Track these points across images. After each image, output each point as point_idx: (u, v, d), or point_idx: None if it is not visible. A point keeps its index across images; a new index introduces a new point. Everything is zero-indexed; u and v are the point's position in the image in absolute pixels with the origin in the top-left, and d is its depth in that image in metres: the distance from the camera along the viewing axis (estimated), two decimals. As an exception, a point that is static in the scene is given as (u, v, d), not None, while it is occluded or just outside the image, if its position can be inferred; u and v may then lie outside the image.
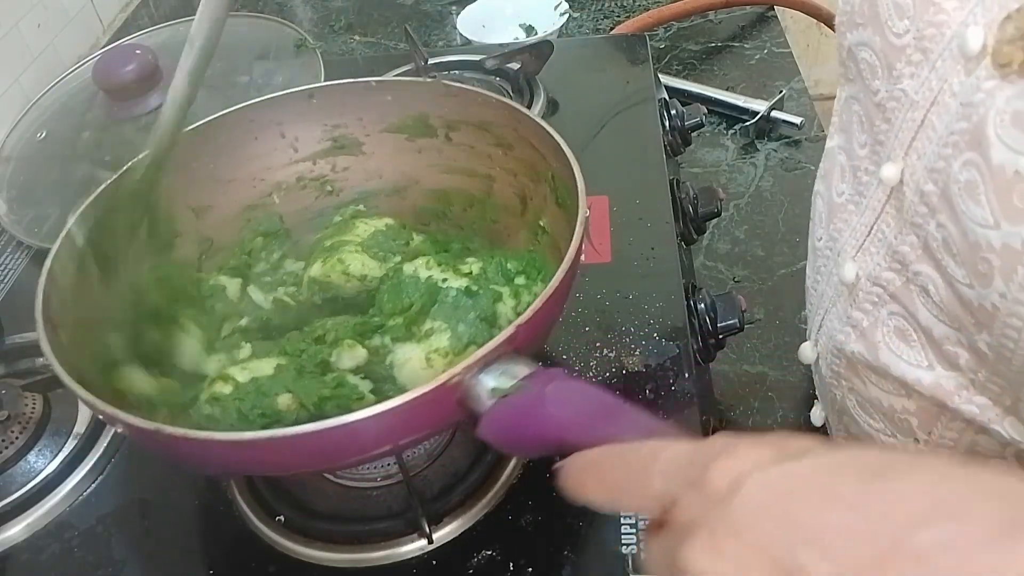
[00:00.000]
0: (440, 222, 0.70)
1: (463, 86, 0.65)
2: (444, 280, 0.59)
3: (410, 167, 0.70)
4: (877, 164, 0.50)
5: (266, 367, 0.56)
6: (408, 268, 0.61)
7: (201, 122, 0.67)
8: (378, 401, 0.54)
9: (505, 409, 0.44)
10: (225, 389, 0.54)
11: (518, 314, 0.58)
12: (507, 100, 0.61)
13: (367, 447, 0.48)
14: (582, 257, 0.52)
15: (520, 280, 0.59)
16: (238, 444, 0.44)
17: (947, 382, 0.46)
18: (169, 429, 0.43)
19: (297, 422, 0.52)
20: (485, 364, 0.45)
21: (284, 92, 0.70)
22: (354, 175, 0.72)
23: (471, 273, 0.59)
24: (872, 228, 0.51)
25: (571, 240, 0.51)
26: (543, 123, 0.59)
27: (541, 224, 0.63)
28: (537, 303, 0.47)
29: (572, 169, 0.55)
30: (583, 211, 0.52)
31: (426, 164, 0.69)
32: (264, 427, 0.52)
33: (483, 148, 0.66)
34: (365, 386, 0.56)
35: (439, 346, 0.55)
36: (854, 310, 0.53)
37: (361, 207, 0.71)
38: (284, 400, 0.53)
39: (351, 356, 0.57)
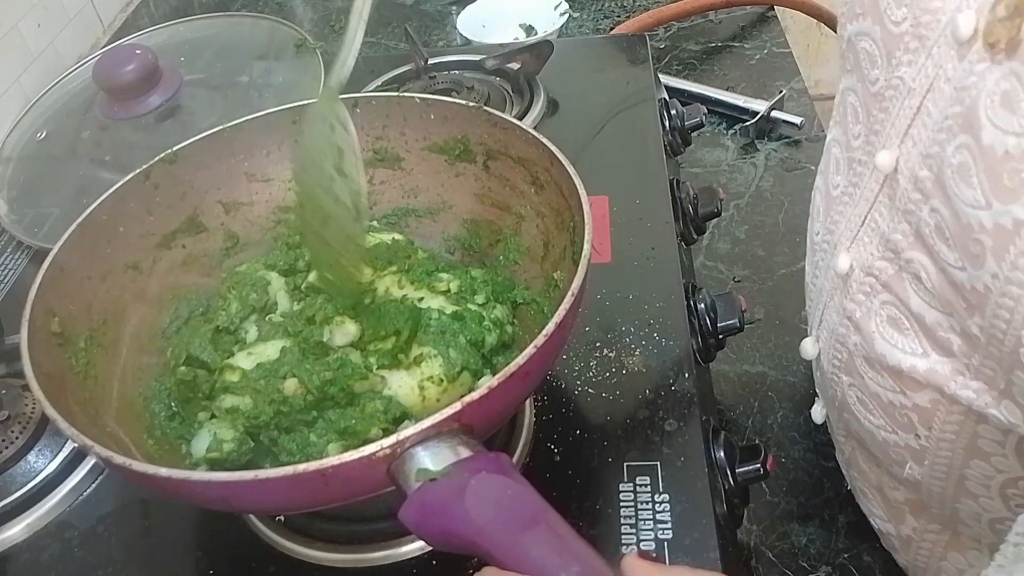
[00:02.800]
0: (465, 254, 0.69)
1: (504, 116, 0.64)
2: (421, 299, 0.58)
3: (446, 190, 0.69)
4: (871, 154, 0.50)
5: (271, 350, 0.56)
6: (380, 287, 0.60)
7: (244, 119, 0.67)
8: (390, 376, 0.55)
9: (427, 495, 0.40)
10: (233, 377, 0.55)
11: (508, 340, 0.58)
12: (543, 139, 0.60)
13: (293, 502, 0.47)
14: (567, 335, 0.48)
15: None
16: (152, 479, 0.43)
17: (942, 368, 0.46)
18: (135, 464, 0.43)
19: (306, 407, 0.53)
20: (421, 439, 0.41)
21: None
22: (391, 190, 0.71)
23: (448, 291, 0.58)
24: (866, 218, 0.52)
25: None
26: (571, 170, 0.57)
27: (555, 277, 0.61)
28: (494, 381, 0.43)
29: (584, 233, 0.52)
30: (576, 282, 0.49)
31: (462, 189, 0.69)
32: (275, 413, 0.53)
33: (518, 183, 0.65)
34: (372, 363, 0.55)
35: (432, 373, 0.54)
36: (848, 301, 0.54)
37: (374, 223, 0.70)
38: (291, 385, 0.53)
39: (342, 333, 0.56)
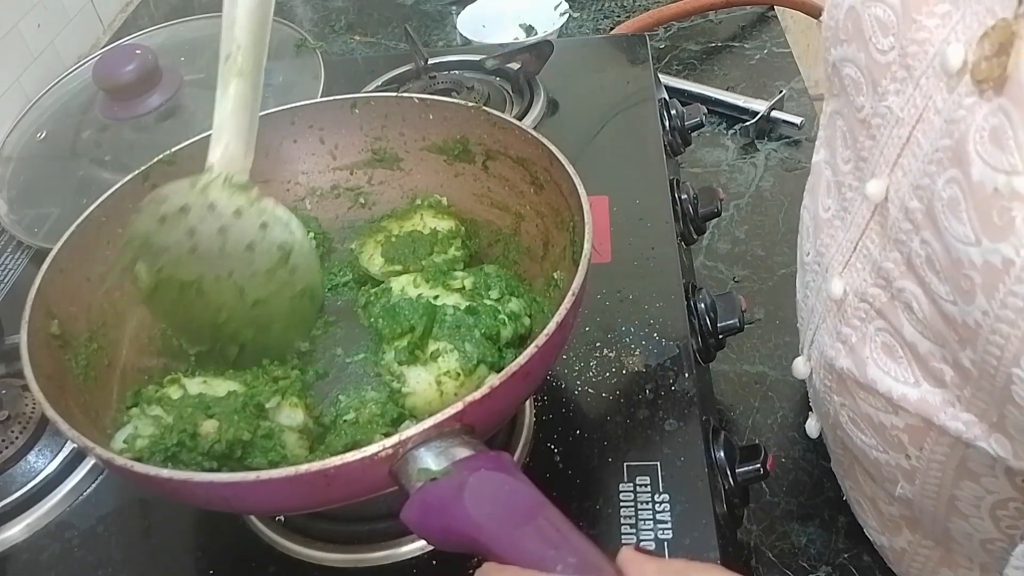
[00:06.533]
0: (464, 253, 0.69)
1: (503, 116, 0.64)
2: (436, 297, 0.58)
3: (445, 190, 0.69)
4: (861, 180, 0.49)
5: (221, 389, 0.54)
6: (395, 286, 0.60)
7: None
8: (408, 372, 0.54)
9: (428, 495, 0.41)
10: (173, 394, 0.53)
11: (519, 335, 0.58)
12: (543, 139, 0.60)
13: (294, 503, 0.47)
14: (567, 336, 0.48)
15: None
16: (152, 480, 0.43)
17: (933, 398, 0.46)
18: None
19: (211, 452, 0.50)
20: (424, 439, 0.42)
21: (326, 99, 0.70)
22: (390, 190, 0.71)
23: (463, 288, 0.58)
24: (857, 244, 0.51)
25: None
26: (571, 170, 0.57)
27: (555, 277, 0.61)
28: (495, 380, 0.43)
29: (584, 232, 0.52)
30: (577, 282, 0.49)
31: (461, 190, 0.69)
32: (178, 443, 0.49)
33: (517, 183, 0.65)
34: (299, 450, 0.53)
35: (448, 368, 0.54)
36: (843, 326, 0.53)
37: (444, 200, 0.69)
38: (209, 426, 0.51)
39: (288, 414, 0.54)
